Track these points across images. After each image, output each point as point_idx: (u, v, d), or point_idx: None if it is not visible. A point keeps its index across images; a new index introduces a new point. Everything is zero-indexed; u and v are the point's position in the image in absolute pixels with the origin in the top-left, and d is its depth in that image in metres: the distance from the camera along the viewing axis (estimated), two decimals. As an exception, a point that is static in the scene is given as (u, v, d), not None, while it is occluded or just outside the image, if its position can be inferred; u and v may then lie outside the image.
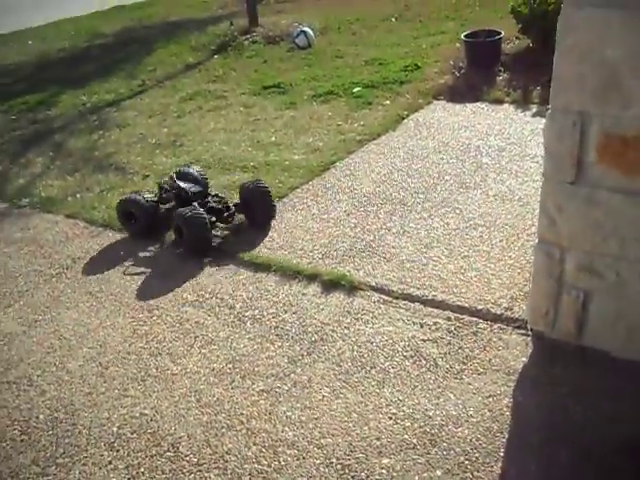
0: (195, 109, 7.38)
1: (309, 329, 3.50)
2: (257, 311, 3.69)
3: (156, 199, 4.78)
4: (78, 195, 5.52)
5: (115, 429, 3.05)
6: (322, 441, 2.83)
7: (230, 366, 3.31)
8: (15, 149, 7.02)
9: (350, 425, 2.88)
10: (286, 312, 3.65)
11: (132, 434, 3.01)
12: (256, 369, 3.27)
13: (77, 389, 3.34)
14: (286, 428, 2.91)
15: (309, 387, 3.12)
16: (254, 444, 2.86)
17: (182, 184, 4.70)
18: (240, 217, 4.67)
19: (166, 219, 4.70)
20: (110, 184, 5.67)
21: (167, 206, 4.82)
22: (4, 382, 3.48)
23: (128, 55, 10.54)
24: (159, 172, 5.72)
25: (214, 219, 4.49)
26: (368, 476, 2.64)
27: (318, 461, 2.74)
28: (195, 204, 4.46)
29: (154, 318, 3.77)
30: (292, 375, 3.20)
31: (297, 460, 2.75)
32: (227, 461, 2.80)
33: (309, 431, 2.88)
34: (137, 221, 4.67)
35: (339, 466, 2.70)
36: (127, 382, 3.32)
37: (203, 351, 3.45)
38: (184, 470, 2.79)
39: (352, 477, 2.65)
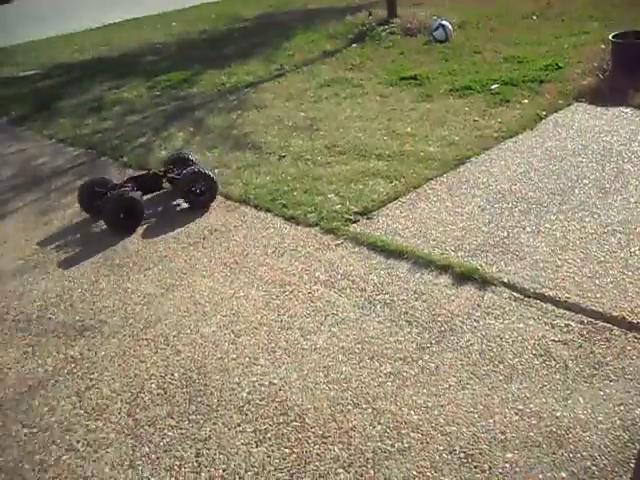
0: (332, 95, 7.48)
1: (439, 318, 3.50)
2: (387, 296, 3.73)
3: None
4: (216, 170, 5.71)
5: (245, 394, 3.16)
6: (446, 428, 2.83)
7: (359, 346, 3.37)
8: (158, 123, 7.33)
9: (475, 416, 2.87)
10: (416, 300, 3.66)
11: (261, 401, 3.11)
12: (384, 352, 3.30)
13: (210, 353, 3.48)
14: (411, 412, 2.94)
15: (436, 374, 3.12)
16: (379, 423, 2.89)
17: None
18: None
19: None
20: (247, 162, 5.84)
21: None
22: (143, 339, 3.68)
23: (267, 39, 10.79)
24: (295, 154, 5.83)
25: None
26: (491, 468, 2.62)
27: (441, 447, 2.74)
28: None
29: (286, 293, 3.88)
30: (420, 361, 3.22)
31: (420, 444, 2.77)
32: (351, 437, 2.85)
33: (434, 417, 2.89)
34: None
35: (462, 454, 2.70)
36: (258, 352, 3.44)
37: (333, 329, 3.51)
38: (309, 440, 2.86)
39: (474, 467, 2.64)
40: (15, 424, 3.23)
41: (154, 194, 5.48)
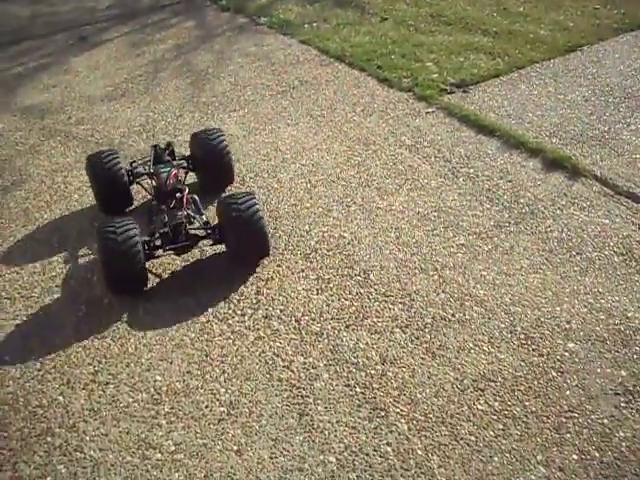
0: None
1: (521, 200, 3.37)
2: (472, 170, 3.60)
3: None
4: (315, 24, 5.54)
5: (313, 243, 3.14)
6: (511, 308, 2.76)
7: (435, 214, 3.28)
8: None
9: (542, 301, 2.79)
10: (501, 178, 3.53)
11: (328, 251, 3.08)
12: (460, 223, 3.21)
13: (284, 198, 3.45)
14: (478, 286, 2.87)
15: (509, 254, 3.03)
16: (443, 292, 2.84)
17: None
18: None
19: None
20: (348, 20, 5.64)
21: None
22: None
23: None
24: (398, 18, 5.59)
25: None
26: (549, 354, 2.55)
27: (502, 325, 2.68)
28: None
29: (369, 152, 3.78)
30: (495, 239, 3.12)
31: (482, 318, 2.71)
32: (413, 300, 2.81)
33: (500, 295, 2.82)
34: None
35: (522, 336, 2.63)
36: (332, 204, 3.39)
37: (411, 194, 3.42)
38: (370, 296, 2.83)
39: (533, 350, 2.57)
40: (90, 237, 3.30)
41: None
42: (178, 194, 3.11)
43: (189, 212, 3.05)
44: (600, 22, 5.41)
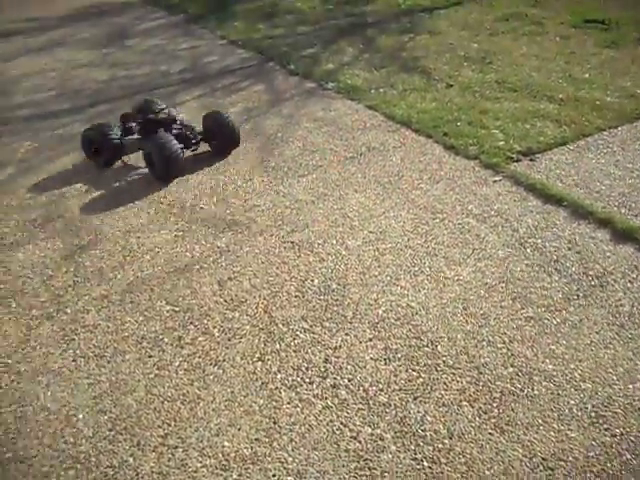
0: (509, 30, 7.15)
1: (590, 272, 3.34)
2: (540, 240, 3.59)
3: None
4: (381, 90, 5.65)
5: (380, 312, 3.17)
6: (581, 384, 2.72)
7: (502, 285, 3.28)
8: (329, 36, 7.30)
9: (614, 378, 2.75)
10: (570, 249, 3.51)
11: (396, 321, 3.10)
12: (528, 295, 3.20)
13: (352, 266, 3.50)
14: (547, 360, 2.85)
15: (578, 328, 3.00)
16: (511, 365, 2.83)
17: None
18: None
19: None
20: (413, 85, 5.73)
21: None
22: (288, 242, 3.75)
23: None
24: (464, 84, 5.66)
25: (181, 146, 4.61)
26: (623, 434, 2.51)
27: (572, 402, 2.65)
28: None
29: (436, 221, 3.82)
30: (564, 312, 3.10)
31: (551, 394, 2.69)
32: (481, 373, 2.80)
33: (570, 370, 2.79)
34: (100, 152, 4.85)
35: (593, 414, 2.59)
36: (399, 273, 3.42)
37: (479, 264, 3.43)
38: (438, 368, 2.84)
39: (605, 429, 2.53)
40: (160, 300, 3.40)
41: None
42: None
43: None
44: (669, 89, 5.39)
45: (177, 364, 2.99)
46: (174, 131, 4.73)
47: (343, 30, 7.49)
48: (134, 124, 4.89)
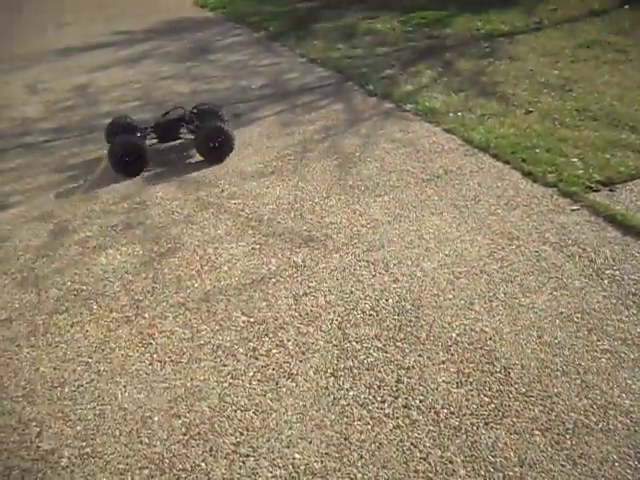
0: (590, 58, 7.07)
1: (670, 307, 3.30)
2: (618, 272, 3.55)
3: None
4: (459, 113, 5.66)
5: (454, 335, 3.18)
6: (658, 421, 2.69)
7: (578, 316, 3.25)
8: (407, 58, 7.35)
9: (693, 417, 2.70)
10: (649, 283, 3.47)
11: (469, 345, 3.11)
12: (604, 327, 3.17)
13: (427, 288, 3.52)
14: (623, 395, 2.81)
15: (657, 364, 2.96)
16: (585, 397, 2.80)
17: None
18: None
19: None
20: (492, 111, 5.73)
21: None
22: (364, 260, 3.79)
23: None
24: (543, 111, 5.63)
25: None
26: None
27: (649, 439, 2.62)
28: None
29: (512, 247, 3.81)
30: (641, 346, 3.06)
31: (627, 430, 2.65)
32: (554, 403, 2.78)
33: (647, 406, 2.76)
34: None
35: (671, 452, 2.56)
36: (474, 297, 3.42)
37: (554, 293, 3.42)
38: (510, 395, 2.83)
39: (680, 470, 2.49)
40: (235, 311, 3.48)
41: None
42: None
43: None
44: None
45: (251, 374, 3.06)
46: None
47: (422, 52, 7.53)
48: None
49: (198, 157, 5.31)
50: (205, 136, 5.22)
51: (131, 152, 5.09)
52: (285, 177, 4.85)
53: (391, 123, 5.64)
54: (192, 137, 5.40)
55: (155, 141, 5.50)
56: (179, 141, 5.56)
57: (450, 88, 6.33)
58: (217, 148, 5.20)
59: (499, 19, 8.80)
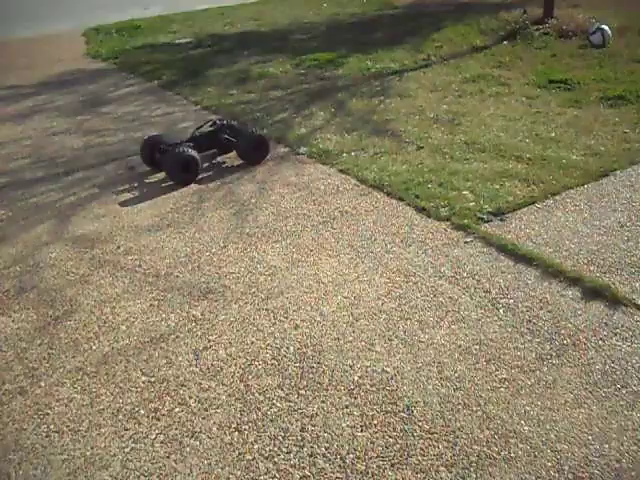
0: (476, 91, 7.35)
1: (562, 331, 3.39)
2: (512, 301, 3.65)
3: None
4: (353, 153, 5.76)
5: (356, 378, 3.18)
6: (557, 445, 2.75)
7: (477, 347, 3.31)
8: (301, 101, 7.44)
9: (589, 438, 2.78)
10: (541, 309, 3.57)
11: (371, 387, 3.12)
12: (502, 357, 3.24)
13: (327, 332, 3.52)
14: (522, 422, 2.87)
15: (553, 388, 3.04)
16: (487, 429, 2.85)
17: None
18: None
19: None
20: (385, 148, 5.84)
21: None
22: (263, 309, 3.77)
23: (416, 29, 10.72)
24: (434, 146, 5.79)
25: None
26: (600, 496, 2.53)
27: (549, 464, 2.67)
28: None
29: (409, 284, 3.86)
30: (537, 372, 3.13)
31: (528, 456, 2.70)
32: (457, 437, 2.81)
33: (545, 431, 2.82)
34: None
35: (571, 475, 2.62)
36: (374, 337, 3.44)
37: (452, 327, 3.47)
38: (414, 434, 2.85)
39: (583, 491, 2.55)
40: (135, 371, 3.38)
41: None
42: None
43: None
44: (631, 146, 5.55)
45: (153, 437, 2.97)
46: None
47: (314, 94, 7.64)
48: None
49: (94, 211, 5.19)
50: (248, 141, 5.82)
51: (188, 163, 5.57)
52: (182, 229, 4.79)
53: (286, 167, 5.67)
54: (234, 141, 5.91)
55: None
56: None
57: (343, 128, 6.43)
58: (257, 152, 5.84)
59: (389, 57, 9.05)
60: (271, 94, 7.92)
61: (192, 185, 5.52)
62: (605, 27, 8.83)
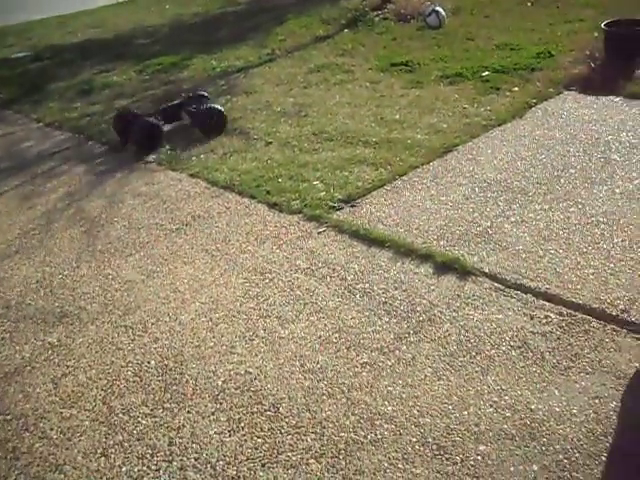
0: (321, 81, 7.44)
1: (417, 308, 3.49)
2: (367, 285, 3.72)
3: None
4: (202, 156, 5.71)
5: (220, 383, 3.16)
6: (420, 420, 2.82)
7: (336, 336, 3.36)
8: (146, 107, 7.29)
9: (450, 407, 2.87)
10: (396, 289, 3.65)
11: (236, 390, 3.10)
12: (361, 341, 3.29)
13: (187, 341, 3.47)
14: (386, 402, 2.93)
15: (412, 365, 3.11)
16: (352, 414, 2.89)
17: None
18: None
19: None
20: (234, 148, 5.82)
21: None
22: (122, 326, 3.67)
23: (260, 24, 10.73)
24: (282, 140, 5.81)
25: None
26: (463, 460, 2.62)
27: (414, 439, 2.74)
28: None
29: (266, 281, 3.86)
30: (397, 351, 3.21)
31: (394, 435, 2.76)
32: (325, 427, 2.84)
33: (408, 408, 2.88)
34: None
35: (435, 446, 2.69)
36: (235, 340, 3.43)
37: (311, 318, 3.50)
38: (282, 430, 2.85)
39: (446, 459, 2.63)
40: (-11, 411, 3.23)
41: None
42: None
43: None
44: (470, 120, 5.76)
45: (13, 478, 2.84)
46: None
47: (160, 99, 7.50)
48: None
49: None
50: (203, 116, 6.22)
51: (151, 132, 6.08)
52: (31, 254, 4.60)
53: (136, 177, 5.55)
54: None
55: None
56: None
57: (191, 131, 6.35)
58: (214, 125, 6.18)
59: (233, 55, 9.01)
60: (116, 103, 7.72)
61: (38, 207, 5.31)
62: (439, 9, 9.12)
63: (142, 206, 5.01)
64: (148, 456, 2.83)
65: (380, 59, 7.97)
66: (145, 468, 2.78)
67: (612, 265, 3.66)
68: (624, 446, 2.62)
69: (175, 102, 6.64)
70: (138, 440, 2.91)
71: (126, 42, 10.92)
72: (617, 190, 4.43)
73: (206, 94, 6.79)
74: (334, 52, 8.56)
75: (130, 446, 2.89)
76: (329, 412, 2.91)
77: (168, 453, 2.83)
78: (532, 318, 3.33)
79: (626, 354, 3.04)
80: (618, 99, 5.97)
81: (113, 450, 2.89)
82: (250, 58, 8.78)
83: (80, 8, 14.88)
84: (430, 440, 2.72)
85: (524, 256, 3.81)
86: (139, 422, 3.01)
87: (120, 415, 3.07)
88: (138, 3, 14.94)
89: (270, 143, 5.81)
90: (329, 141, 5.63)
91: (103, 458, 2.86)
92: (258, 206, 4.76)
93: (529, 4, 9.74)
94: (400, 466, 2.62)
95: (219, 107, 6.38)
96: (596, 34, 7.26)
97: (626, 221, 4.06)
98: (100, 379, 3.30)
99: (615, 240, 3.88)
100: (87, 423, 3.05)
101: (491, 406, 2.85)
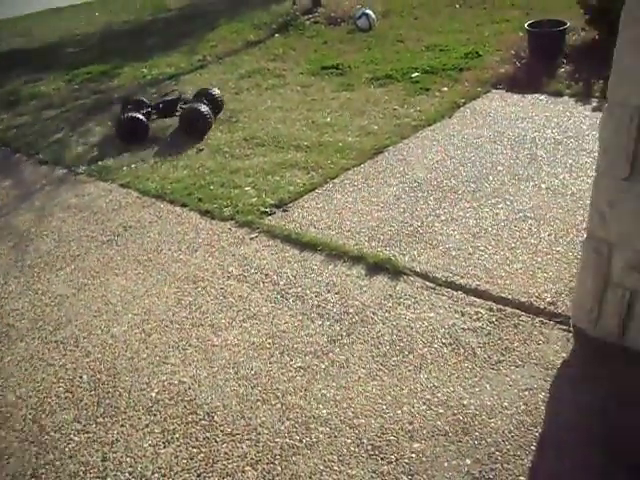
0: (253, 86, 7.43)
1: (350, 310, 3.51)
2: (300, 289, 3.73)
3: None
4: (132, 166, 5.64)
5: (154, 394, 3.13)
6: (355, 421, 2.84)
7: (270, 341, 3.36)
8: (76, 118, 7.19)
9: (384, 407, 2.89)
10: (329, 292, 3.67)
11: (170, 400, 3.07)
12: (295, 346, 3.30)
13: (120, 353, 3.43)
14: (320, 406, 2.94)
15: (346, 367, 3.13)
16: (287, 419, 2.89)
17: None
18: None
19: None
20: (165, 156, 5.76)
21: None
22: (52, 341, 3.60)
23: (191, 30, 10.66)
24: (214, 147, 5.79)
25: None
26: (397, 459, 2.65)
27: (349, 440, 2.76)
28: None
29: (199, 289, 3.84)
30: (330, 354, 3.22)
31: (329, 438, 2.78)
32: (260, 434, 2.84)
33: (343, 410, 2.90)
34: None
35: (369, 447, 2.71)
36: (168, 350, 3.40)
37: (244, 325, 3.49)
38: (217, 439, 2.84)
39: (382, 459, 2.66)
40: None
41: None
42: None
43: None
44: (401, 121, 5.83)
45: None
46: None
47: (91, 109, 7.40)
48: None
49: None
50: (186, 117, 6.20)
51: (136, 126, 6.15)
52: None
53: (65, 189, 5.45)
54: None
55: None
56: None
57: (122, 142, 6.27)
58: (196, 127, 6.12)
59: (164, 63, 8.93)
60: (44, 114, 7.58)
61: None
62: (369, 11, 9.20)
63: (72, 218, 4.92)
64: (81, 473, 2.79)
65: (311, 63, 8.00)
66: (78, 485, 2.73)
67: (539, 259, 3.74)
68: (553, 435, 2.68)
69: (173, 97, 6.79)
70: (70, 458, 2.86)
71: (54, 51, 10.72)
72: (543, 185, 4.54)
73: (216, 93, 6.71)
74: (265, 57, 8.56)
75: (62, 465, 2.84)
76: (264, 418, 2.91)
77: (102, 469, 2.79)
78: (463, 315, 3.38)
79: (554, 345, 3.12)
80: (543, 97, 6.12)
81: (44, 470, 2.83)
82: (181, 65, 8.72)
83: (3, 16, 14.51)
84: (365, 441, 2.75)
85: (454, 254, 3.88)
86: (71, 439, 2.96)
87: (51, 433, 3.01)
88: (66, 11, 14.66)
89: (202, 150, 5.78)
90: (261, 146, 5.63)
91: (33, 479, 2.80)
92: (190, 214, 4.73)
93: (457, 6, 9.91)
94: (336, 468, 2.63)
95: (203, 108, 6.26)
96: (521, 34, 7.43)
97: (552, 215, 4.16)
98: (30, 397, 3.23)
99: (542, 235, 3.97)
100: (16, 444, 2.98)
101: (424, 404, 2.89)
